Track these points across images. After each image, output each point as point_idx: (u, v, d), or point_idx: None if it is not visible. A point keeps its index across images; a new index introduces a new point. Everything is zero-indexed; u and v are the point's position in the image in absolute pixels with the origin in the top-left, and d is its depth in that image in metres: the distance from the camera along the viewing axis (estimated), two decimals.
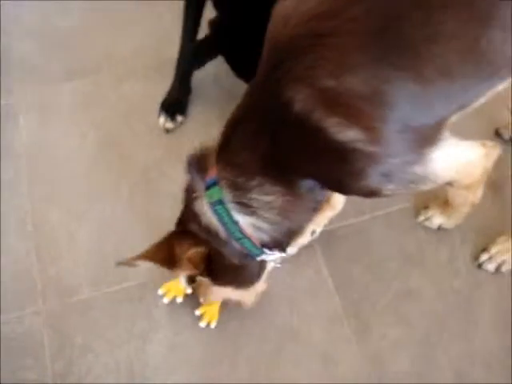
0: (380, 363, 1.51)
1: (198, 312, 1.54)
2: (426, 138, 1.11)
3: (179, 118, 1.82)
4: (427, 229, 1.66)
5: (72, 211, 1.70)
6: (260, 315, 1.56)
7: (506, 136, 1.80)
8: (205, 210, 1.23)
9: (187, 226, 1.27)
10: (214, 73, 1.88)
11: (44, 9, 2.06)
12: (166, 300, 1.55)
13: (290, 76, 1.05)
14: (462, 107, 1.14)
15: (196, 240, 1.27)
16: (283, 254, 1.33)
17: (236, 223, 1.21)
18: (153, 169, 1.76)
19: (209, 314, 1.52)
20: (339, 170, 1.12)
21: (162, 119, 1.81)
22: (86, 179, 1.75)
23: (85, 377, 1.49)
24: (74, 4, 2.07)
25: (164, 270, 1.29)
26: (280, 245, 1.29)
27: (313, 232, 1.62)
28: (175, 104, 1.81)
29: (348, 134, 1.04)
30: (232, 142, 1.18)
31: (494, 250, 1.61)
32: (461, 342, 1.54)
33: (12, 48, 1.99)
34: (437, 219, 1.65)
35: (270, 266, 1.43)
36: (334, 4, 1.03)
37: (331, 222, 1.64)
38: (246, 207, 1.19)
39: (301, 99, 1.03)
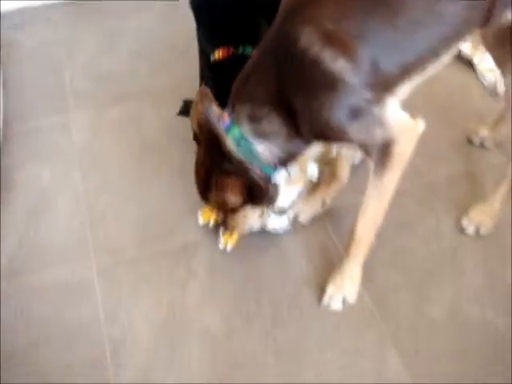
0: (381, 299, 1.78)
1: (221, 243, 1.86)
2: (387, 84, 1.44)
3: None
4: (417, 201, 2.00)
5: (120, 196, 2.03)
6: (279, 267, 1.85)
7: (477, 142, 2.20)
8: (232, 148, 1.55)
9: (223, 169, 1.59)
10: None
11: (96, 48, 2.57)
12: (201, 221, 1.89)
13: (298, 19, 1.40)
14: (421, 61, 1.47)
15: (233, 176, 1.58)
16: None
17: (256, 151, 1.54)
18: (187, 163, 2.06)
19: (228, 238, 1.82)
20: (323, 97, 1.40)
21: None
22: (129, 172, 2.10)
23: (131, 313, 1.74)
24: (122, 46, 2.60)
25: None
26: (285, 163, 1.62)
27: (323, 203, 1.95)
28: None
29: (338, 63, 1.37)
30: (250, 79, 1.52)
31: (471, 213, 1.94)
32: (450, 284, 1.81)
33: (70, 80, 2.45)
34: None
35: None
36: None
37: (340, 199, 1.97)
38: (261, 135, 1.53)
39: (305, 36, 1.37)
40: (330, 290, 1.75)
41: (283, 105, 1.47)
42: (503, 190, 1.89)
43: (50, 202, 2.02)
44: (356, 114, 1.44)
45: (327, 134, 1.50)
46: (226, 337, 1.70)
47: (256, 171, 1.57)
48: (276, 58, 1.45)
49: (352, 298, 1.76)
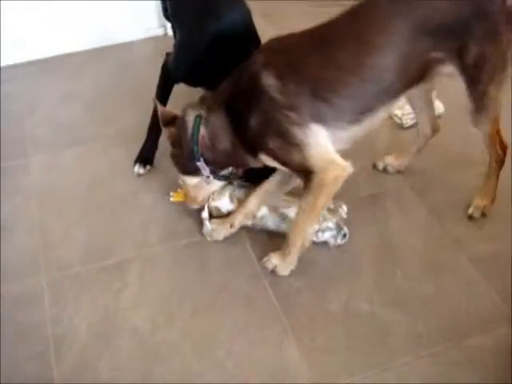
0: (286, 300, 2.09)
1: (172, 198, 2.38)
2: (315, 110, 1.79)
3: (148, 167, 2.56)
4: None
5: (69, 223, 2.38)
6: (201, 275, 2.18)
7: (380, 167, 2.55)
8: (190, 118, 2.02)
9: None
10: None
11: (54, 100, 3.00)
12: (172, 199, 2.38)
13: (260, 54, 1.90)
14: (359, 105, 1.86)
15: (176, 126, 2.08)
16: (211, 176, 2.10)
17: (198, 132, 1.98)
18: (128, 196, 2.47)
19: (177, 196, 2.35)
20: (254, 105, 1.82)
21: (136, 167, 2.55)
22: (79, 204, 2.46)
23: (74, 315, 2.05)
24: (78, 98, 3.01)
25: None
26: (213, 166, 2.06)
27: (232, 225, 2.25)
28: (145, 157, 2.57)
29: (269, 80, 1.78)
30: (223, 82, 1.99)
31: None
32: (346, 286, 2.11)
33: (31, 128, 2.86)
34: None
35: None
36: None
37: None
38: (206, 122, 1.98)
39: (256, 60, 1.86)
40: (275, 259, 2.12)
41: (232, 109, 1.89)
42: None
43: (9, 229, 2.36)
44: (277, 128, 1.79)
45: (255, 140, 1.86)
46: (150, 333, 2.00)
47: (188, 142, 2.02)
48: (238, 76, 1.91)
49: (284, 272, 2.12)
